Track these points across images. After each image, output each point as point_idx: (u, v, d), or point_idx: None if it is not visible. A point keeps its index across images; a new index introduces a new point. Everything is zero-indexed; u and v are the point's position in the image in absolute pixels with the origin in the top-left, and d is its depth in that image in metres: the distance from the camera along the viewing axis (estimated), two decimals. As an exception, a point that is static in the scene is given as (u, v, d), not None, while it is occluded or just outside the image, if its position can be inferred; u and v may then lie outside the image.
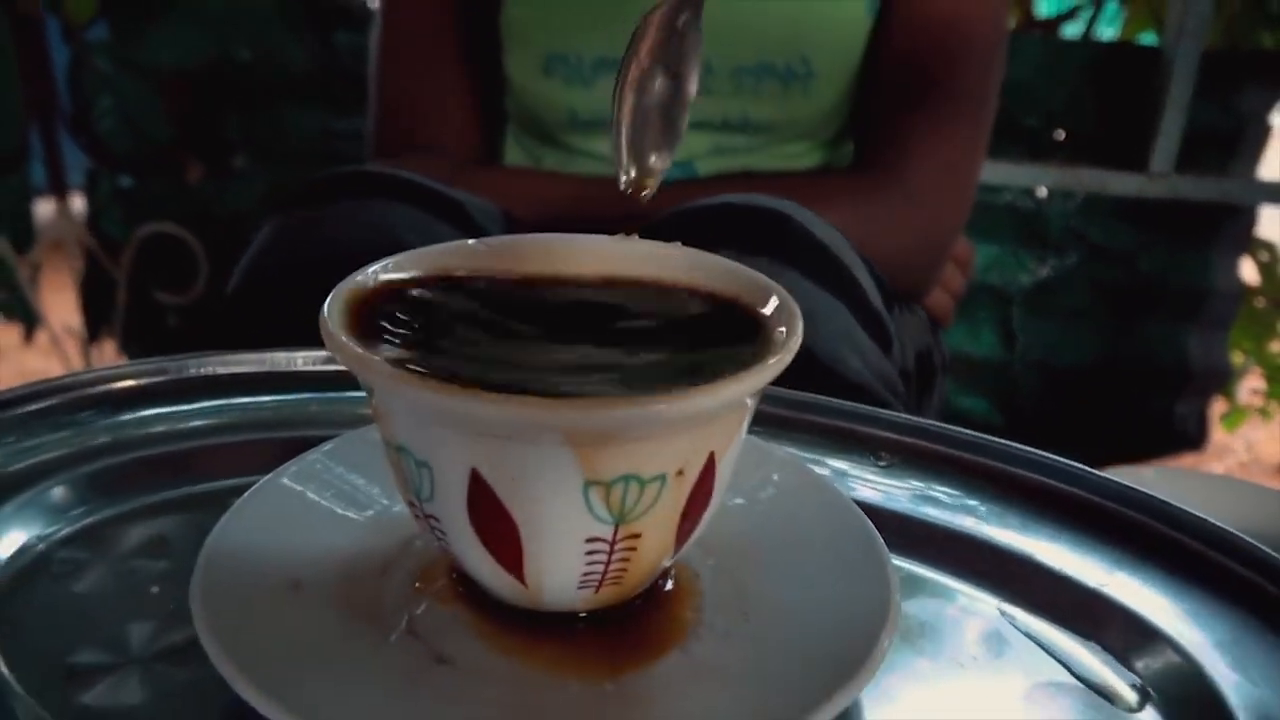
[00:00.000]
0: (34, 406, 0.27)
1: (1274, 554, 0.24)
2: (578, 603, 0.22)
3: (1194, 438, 1.57)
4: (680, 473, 0.19)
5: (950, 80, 0.75)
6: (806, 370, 0.53)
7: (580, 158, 0.79)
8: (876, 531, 0.24)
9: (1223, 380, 1.58)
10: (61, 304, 1.85)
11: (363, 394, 0.21)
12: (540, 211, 0.74)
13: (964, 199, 0.80)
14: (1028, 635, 0.24)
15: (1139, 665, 0.23)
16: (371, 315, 0.21)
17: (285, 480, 0.24)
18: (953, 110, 0.75)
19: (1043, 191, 1.45)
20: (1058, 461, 0.28)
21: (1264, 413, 2.00)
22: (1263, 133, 1.45)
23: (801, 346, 0.56)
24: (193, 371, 0.29)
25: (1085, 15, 1.52)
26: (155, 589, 0.24)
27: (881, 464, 0.29)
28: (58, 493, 0.25)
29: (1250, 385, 1.95)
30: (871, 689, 0.22)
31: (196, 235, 1.60)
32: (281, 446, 0.26)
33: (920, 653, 0.23)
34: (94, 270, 1.68)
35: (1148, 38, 1.63)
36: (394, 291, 0.23)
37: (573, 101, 0.76)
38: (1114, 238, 1.47)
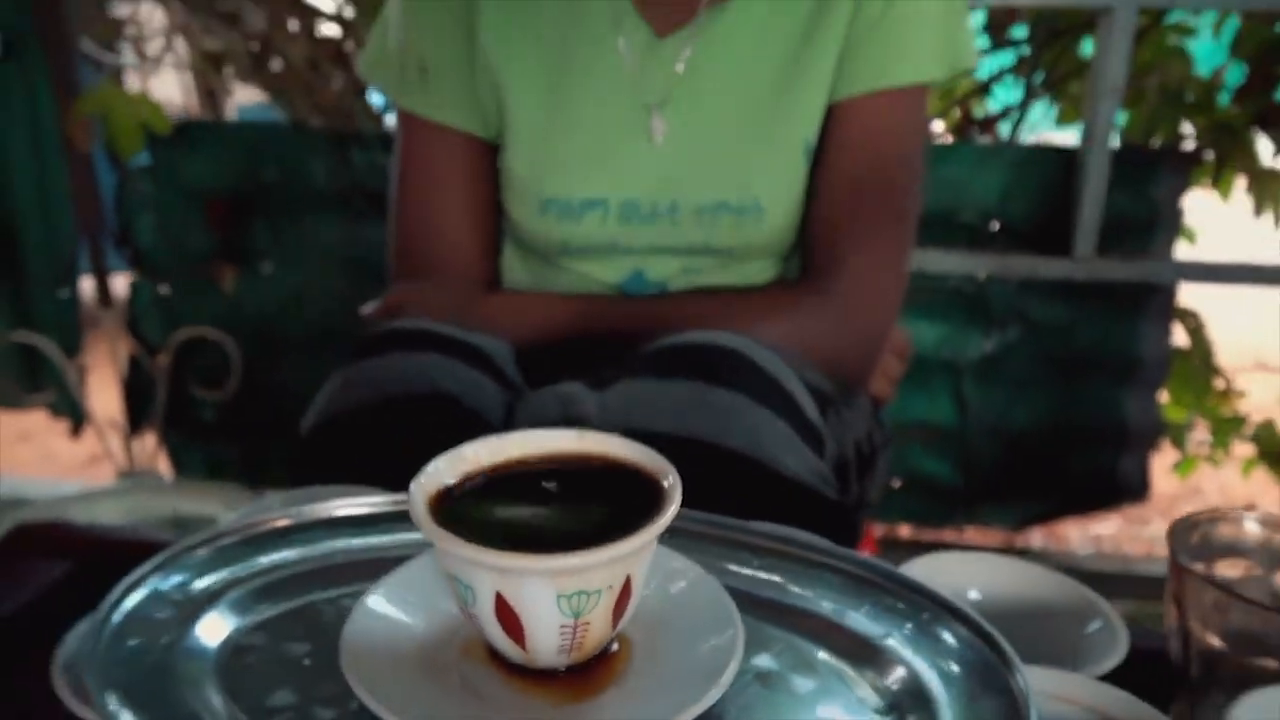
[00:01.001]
0: (221, 543, 0.43)
1: (978, 617, 0.40)
2: (558, 662, 0.38)
3: (1137, 490, 1.72)
4: (610, 588, 0.36)
5: (876, 208, 0.88)
6: (755, 472, 0.69)
7: (568, 274, 0.93)
8: (735, 608, 0.40)
9: (1157, 436, 1.73)
10: (101, 385, 2.00)
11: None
12: (544, 332, 0.88)
13: (892, 304, 0.92)
14: (832, 670, 0.40)
15: (890, 685, 0.39)
16: (440, 497, 0.38)
17: (383, 591, 0.40)
18: (878, 233, 0.88)
19: (983, 275, 1.62)
20: (859, 557, 0.44)
21: (1212, 460, 2.15)
22: (1176, 216, 1.62)
23: (750, 454, 0.71)
24: (316, 515, 0.45)
25: (1014, 117, 1.71)
26: (307, 660, 0.40)
27: (755, 564, 0.45)
28: (239, 600, 0.42)
29: (1198, 437, 2.10)
30: (731, 704, 0.38)
31: (228, 335, 1.76)
32: (376, 566, 0.42)
33: (763, 682, 0.40)
34: (135, 370, 1.85)
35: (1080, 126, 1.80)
36: (450, 483, 0.39)
37: (564, 235, 0.90)
38: (1050, 314, 1.64)
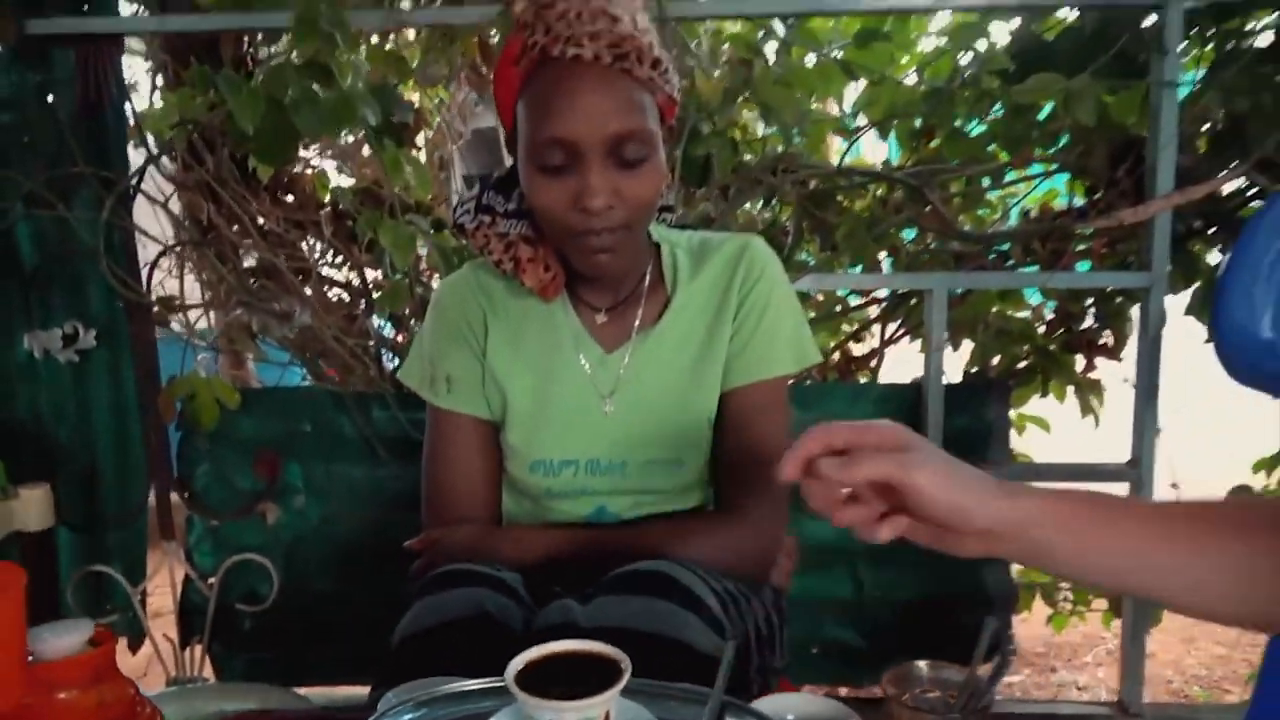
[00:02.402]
0: (403, 708, 0.85)
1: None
2: (577, 754, 0.80)
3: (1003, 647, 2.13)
4: (599, 715, 0.79)
5: (759, 459, 1.35)
6: (680, 649, 1.12)
7: (550, 510, 1.38)
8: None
9: (1012, 600, 2.16)
10: (154, 602, 2.32)
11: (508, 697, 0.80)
12: (544, 555, 1.30)
13: (782, 525, 1.36)
14: (708, 754, 0.84)
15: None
16: (519, 676, 0.81)
17: (490, 727, 0.83)
18: (761, 476, 1.32)
19: (864, 482, 2.08)
20: (728, 699, 0.87)
21: (1079, 614, 2.57)
22: (1006, 428, 2.12)
23: (678, 639, 1.18)
24: (442, 692, 0.88)
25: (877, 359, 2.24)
26: (453, 764, 0.82)
27: (671, 704, 0.88)
28: (414, 738, 0.84)
29: (1062, 595, 2.53)
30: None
31: (268, 557, 2.14)
32: (482, 716, 0.85)
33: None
34: (187, 590, 2.21)
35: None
36: (520, 668, 0.83)
37: (548, 485, 1.35)
38: (918, 509, 2.10)
